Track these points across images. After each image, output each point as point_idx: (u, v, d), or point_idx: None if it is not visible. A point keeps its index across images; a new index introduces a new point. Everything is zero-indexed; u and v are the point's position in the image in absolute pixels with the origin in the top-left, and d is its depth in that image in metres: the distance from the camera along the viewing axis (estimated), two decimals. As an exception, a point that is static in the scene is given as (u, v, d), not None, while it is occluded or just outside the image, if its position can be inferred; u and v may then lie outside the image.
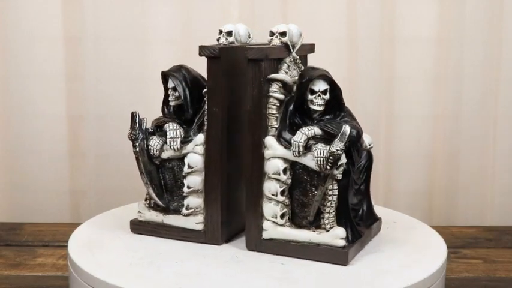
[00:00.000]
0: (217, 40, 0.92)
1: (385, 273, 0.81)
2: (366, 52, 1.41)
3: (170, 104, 0.93)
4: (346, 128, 0.80)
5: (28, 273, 1.11)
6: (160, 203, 0.93)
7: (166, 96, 0.94)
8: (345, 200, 0.84)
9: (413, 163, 1.46)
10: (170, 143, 0.90)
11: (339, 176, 0.82)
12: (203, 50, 0.88)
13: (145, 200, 0.95)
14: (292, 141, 0.82)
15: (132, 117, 0.92)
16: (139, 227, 0.94)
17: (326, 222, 0.84)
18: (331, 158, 0.80)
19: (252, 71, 0.84)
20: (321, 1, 1.40)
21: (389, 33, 1.41)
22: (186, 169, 0.90)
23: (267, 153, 0.85)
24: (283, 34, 0.86)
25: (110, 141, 1.44)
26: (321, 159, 0.80)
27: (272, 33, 0.87)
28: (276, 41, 0.87)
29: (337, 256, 0.83)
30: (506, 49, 1.41)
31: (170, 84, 0.92)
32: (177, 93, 0.91)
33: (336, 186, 0.83)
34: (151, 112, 1.42)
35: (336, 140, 0.80)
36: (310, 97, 0.84)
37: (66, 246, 0.90)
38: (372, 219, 0.93)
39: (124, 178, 1.45)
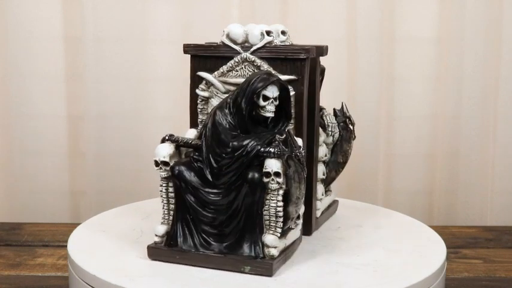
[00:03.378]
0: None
1: (385, 273, 0.81)
2: (366, 52, 1.41)
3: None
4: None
5: (28, 273, 1.11)
6: None
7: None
8: (178, 203, 0.83)
9: (413, 163, 1.46)
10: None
11: (162, 174, 0.84)
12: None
13: None
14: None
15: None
16: None
17: (161, 216, 0.86)
18: None
19: (191, 67, 0.89)
20: (321, 1, 1.40)
21: (389, 33, 1.41)
22: None
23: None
24: (225, 33, 0.87)
25: (110, 141, 1.44)
26: None
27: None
28: (222, 40, 0.88)
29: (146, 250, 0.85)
30: (506, 49, 1.41)
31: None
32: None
33: (163, 184, 0.85)
34: (151, 112, 1.43)
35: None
36: (262, 103, 0.81)
37: (66, 246, 0.90)
38: (245, 253, 0.81)
39: (124, 178, 1.45)
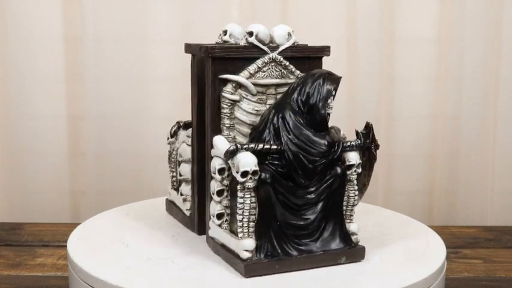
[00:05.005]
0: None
1: (384, 273, 0.81)
2: (366, 52, 1.41)
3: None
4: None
5: (28, 273, 1.11)
6: None
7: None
8: (267, 212, 0.80)
9: (413, 163, 1.46)
10: None
11: (249, 184, 0.78)
12: (186, 48, 0.92)
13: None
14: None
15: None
16: (168, 205, 1.04)
17: (239, 230, 0.80)
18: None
19: (207, 69, 0.85)
20: (321, 1, 1.40)
21: (389, 33, 1.41)
22: (178, 158, 0.98)
23: (212, 151, 0.84)
24: (250, 34, 0.85)
25: (110, 141, 1.44)
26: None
27: (246, 33, 0.87)
28: (243, 41, 0.86)
29: (240, 267, 0.79)
30: (506, 49, 1.41)
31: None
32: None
33: (247, 195, 0.79)
34: (151, 112, 1.43)
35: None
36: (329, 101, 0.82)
37: (66, 246, 0.90)
38: (340, 245, 0.83)
39: (124, 178, 1.45)
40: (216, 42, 0.90)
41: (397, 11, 1.40)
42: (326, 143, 0.81)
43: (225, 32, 0.89)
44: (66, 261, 0.92)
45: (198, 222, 0.94)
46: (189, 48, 0.92)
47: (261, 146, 0.80)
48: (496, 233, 1.34)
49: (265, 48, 0.85)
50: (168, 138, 1.02)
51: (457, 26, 1.40)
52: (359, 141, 0.84)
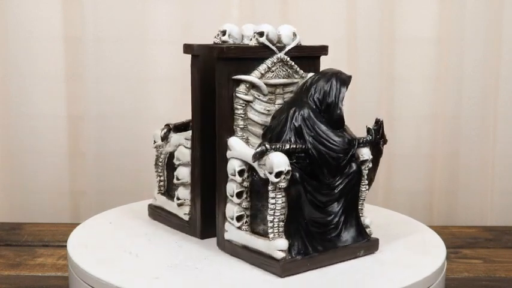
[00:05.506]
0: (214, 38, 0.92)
1: (384, 273, 0.81)
2: (366, 52, 1.41)
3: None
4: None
5: (28, 273, 1.11)
6: None
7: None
8: (296, 211, 0.80)
9: (413, 163, 1.46)
10: None
11: (282, 184, 0.78)
12: (185, 48, 0.90)
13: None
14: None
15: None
16: (152, 211, 1.01)
17: (270, 231, 0.80)
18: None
19: (219, 70, 0.84)
20: (321, 1, 1.40)
21: (389, 33, 1.41)
22: (175, 161, 0.95)
23: (229, 153, 0.84)
24: (260, 34, 0.85)
25: (110, 141, 1.44)
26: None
27: (254, 33, 0.87)
28: (253, 41, 0.86)
29: (274, 268, 0.79)
30: (506, 49, 1.41)
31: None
32: None
33: (279, 195, 0.79)
34: (151, 112, 1.43)
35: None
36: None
37: (66, 246, 0.90)
38: (358, 239, 0.85)
39: (124, 178, 1.45)
40: (214, 43, 0.90)
41: (397, 11, 1.40)
42: (346, 140, 0.83)
43: (223, 32, 0.89)
44: (66, 261, 0.92)
45: (200, 226, 0.92)
46: (189, 48, 0.90)
47: (287, 145, 0.81)
48: (496, 233, 1.34)
49: (274, 48, 0.86)
50: (154, 142, 0.99)
51: (457, 26, 1.40)
52: (370, 137, 0.87)
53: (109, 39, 1.40)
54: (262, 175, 0.80)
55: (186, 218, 0.94)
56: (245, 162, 0.82)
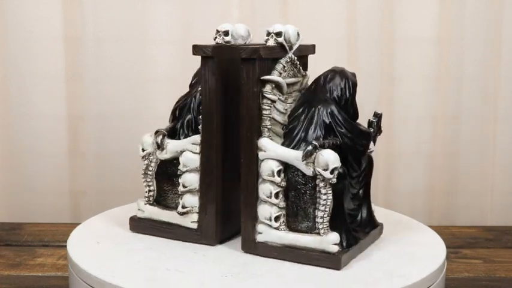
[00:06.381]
0: (214, 39, 0.91)
1: (384, 273, 0.81)
2: (366, 52, 1.41)
3: None
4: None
5: (28, 273, 1.11)
6: None
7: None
8: (340, 205, 0.83)
9: (413, 163, 1.46)
10: None
11: (334, 180, 0.80)
12: (196, 49, 0.88)
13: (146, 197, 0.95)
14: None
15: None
16: (138, 224, 0.94)
17: (320, 227, 0.82)
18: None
19: (246, 71, 0.84)
20: (321, 1, 1.40)
21: (389, 33, 1.41)
22: (181, 168, 0.90)
23: (262, 154, 0.84)
24: (278, 34, 0.86)
25: (110, 141, 1.44)
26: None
27: (268, 33, 0.87)
28: (271, 41, 0.86)
29: (331, 261, 0.81)
30: (506, 49, 1.41)
31: None
32: None
33: (330, 191, 0.81)
34: (151, 112, 1.43)
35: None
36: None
37: (66, 246, 0.90)
38: (371, 225, 0.91)
39: (124, 178, 1.45)
40: (216, 43, 0.90)
41: (397, 11, 1.40)
42: (366, 131, 0.88)
43: (226, 33, 0.89)
44: (66, 261, 0.92)
45: (216, 232, 0.89)
46: (200, 50, 0.88)
47: (331, 142, 0.83)
48: (496, 233, 1.34)
49: (288, 48, 0.87)
50: (142, 150, 0.94)
51: (457, 26, 1.40)
52: (372, 129, 0.91)
53: (109, 39, 1.40)
54: (309, 173, 0.82)
55: (194, 226, 0.90)
56: (281, 162, 0.83)
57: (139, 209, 0.95)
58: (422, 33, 1.41)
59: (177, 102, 0.96)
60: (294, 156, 0.82)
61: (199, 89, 0.90)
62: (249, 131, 0.84)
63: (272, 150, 0.83)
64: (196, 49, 0.88)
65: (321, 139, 0.83)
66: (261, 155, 0.84)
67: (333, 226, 0.83)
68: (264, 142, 0.84)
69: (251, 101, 0.84)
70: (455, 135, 1.44)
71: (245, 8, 1.40)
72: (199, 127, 0.90)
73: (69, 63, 1.41)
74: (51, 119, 1.43)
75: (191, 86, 0.97)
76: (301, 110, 0.86)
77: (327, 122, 0.84)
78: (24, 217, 1.45)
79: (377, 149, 1.42)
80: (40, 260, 1.17)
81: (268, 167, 0.83)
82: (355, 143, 0.85)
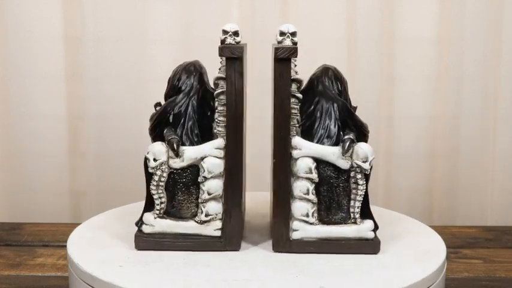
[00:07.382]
0: (223, 41, 0.87)
1: (384, 272, 0.81)
2: (366, 52, 1.41)
3: None
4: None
5: (28, 273, 1.11)
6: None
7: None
8: (367, 193, 0.88)
9: (413, 163, 1.46)
10: None
11: (368, 171, 0.85)
12: (224, 51, 0.85)
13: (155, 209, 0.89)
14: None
15: None
16: (147, 240, 0.88)
17: (357, 216, 0.87)
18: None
19: (280, 71, 0.84)
20: (321, 1, 1.40)
21: (389, 33, 1.41)
22: (205, 175, 0.86)
23: (297, 152, 0.85)
24: (294, 34, 0.87)
25: (110, 141, 1.44)
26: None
27: (283, 33, 0.87)
28: (288, 41, 0.87)
29: (370, 247, 0.86)
30: (506, 49, 1.41)
31: None
32: None
33: (364, 181, 0.86)
34: (151, 112, 1.43)
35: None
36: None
37: (66, 246, 0.90)
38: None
39: (124, 178, 1.45)
40: (228, 43, 0.87)
41: (397, 11, 1.40)
42: (365, 123, 0.90)
43: (236, 33, 0.87)
44: (66, 261, 0.92)
45: (240, 237, 0.88)
46: (229, 51, 0.85)
47: (354, 135, 0.87)
48: (496, 233, 1.34)
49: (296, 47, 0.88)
50: (154, 160, 0.88)
51: (457, 26, 1.40)
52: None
53: (109, 39, 1.40)
54: (346, 166, 0.85)
55: (218, 233, 0.87)
56: (314, 159, 0.85)
57: (146, 224, 0.88)
58: (422, 33, 1.41)
59: (165, 108, 0.93)
60: (330, 151, 0.85)
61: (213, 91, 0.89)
62: (282, 131, 0.85)
63: (307, 148, 0.86)
64: (224, 50, 0.85)
65: (351, 134, 0.86)
66: (295, 153, 0.86)
67: (365, 214, 0.88)
68: (297, 140, 0.86)
69: (286, 101, 0.85)
70: (455, 135, 1.44)
71: (245, 8, 1.40)
72: (215, 131, 0.87)
73: (69, 63, 1.41)
74: (51, 119, 1.43)
75: (178, 89, 0.95)
76: (312, 107, 0.89)
77: (343, 116, 0.88)
78: (24, 217, 1.45)
79: (377, 149, 1.43)
80: (40, 260, 1.17)
81: (305, 164, 0.85)
82: (364, 134, 0.89)
